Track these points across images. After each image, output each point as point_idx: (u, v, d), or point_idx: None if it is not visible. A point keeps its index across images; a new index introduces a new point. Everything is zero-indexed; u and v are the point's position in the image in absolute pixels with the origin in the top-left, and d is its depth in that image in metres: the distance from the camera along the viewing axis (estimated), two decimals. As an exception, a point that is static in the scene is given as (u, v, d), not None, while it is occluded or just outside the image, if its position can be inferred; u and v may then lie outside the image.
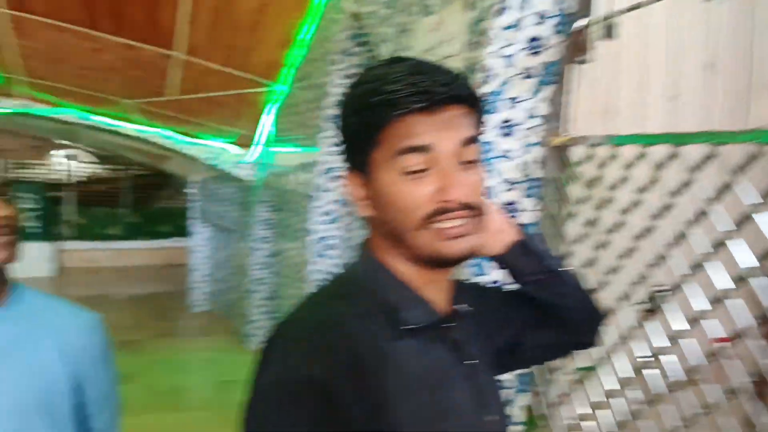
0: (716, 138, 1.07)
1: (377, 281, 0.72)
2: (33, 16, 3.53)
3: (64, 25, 3.61)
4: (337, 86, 3.04)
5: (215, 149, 5.54)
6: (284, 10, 3.26)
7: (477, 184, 0.69)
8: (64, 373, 1.11)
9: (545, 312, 0.86)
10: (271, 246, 5.30)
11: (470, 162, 0.68)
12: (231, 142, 5.53)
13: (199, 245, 6.78)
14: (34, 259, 8.49)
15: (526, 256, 0.82)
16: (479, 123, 0.71)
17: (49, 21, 3.57)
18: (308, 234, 3.55)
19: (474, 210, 0.68)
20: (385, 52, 2.18)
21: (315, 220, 3.52)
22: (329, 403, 0.61)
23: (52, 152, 10.30)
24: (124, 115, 5.23)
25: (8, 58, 4.25)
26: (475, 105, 0.69)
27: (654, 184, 1.22)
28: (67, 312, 1.18)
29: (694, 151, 1.13)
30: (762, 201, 1.01)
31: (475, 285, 0.94)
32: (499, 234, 0.81)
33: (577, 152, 1.44)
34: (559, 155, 1.48)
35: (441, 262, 0.69)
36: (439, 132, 0.65)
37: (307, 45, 3.59)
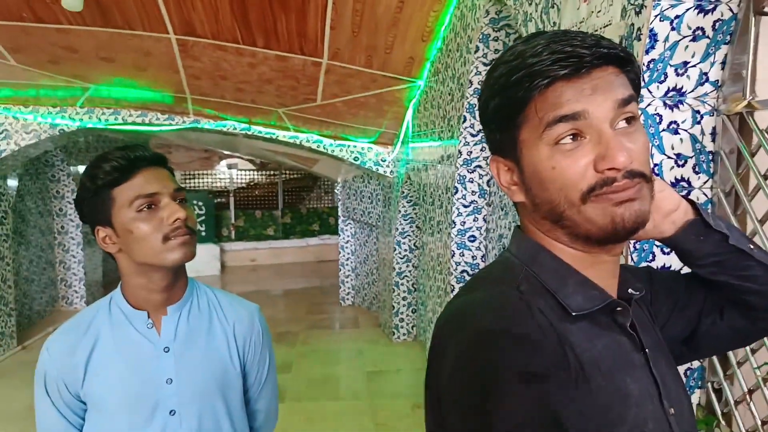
0: None
1: (539, 265, 0.68)
2: (198, 39, 3.93)
3: (224, 44, 3.98)
4: (478, 74, 3.00)
5: (360, 149, 5.76)
6: (423, 4, 3.28)
7: (641, 149, 0.62)
8: (234, 359, 1.21)
9: (725, 296, 0.76)
10: (413, 240, 5.39)
11: (629, 125, 0.62)
12: (374, 141, 5.71)
13: (345, 242, 7.09)
14: (202, 259, 9.44)
15: (702, 235, 0.73)
16: (635, 83, 0.64)
17: (212, 41, 3.95)
18: (449, 226, 3.55)
19: (641, 177, 0.61)
20: (529, 32, 2.10)
21: (456, 212, 3.50)
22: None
23: (222, 162, 11.39)
24: (278, 122, 5.63)
25: (178, 79, 4.77)
26: (626, 64, 0.63)
27: None
28: (232, 303, 1.28)
29: None
30: None
31: (645, 269, 0.85)
32: (671, 213, 0.73)
33: (761, 118, 1.27)
34: (738, 123, 1.31)
35: (611, 235, 0.62)
36: (590, 96, 0.60)
37: (444, 36, 3.59)
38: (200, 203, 10.05)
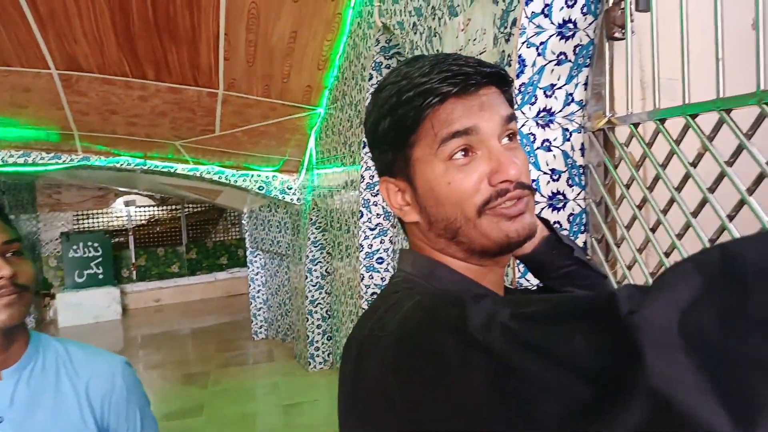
0: (766, 97, 1.02)
1: (438, 279, 0.68)
2: (82, 73, 3.75)
3: (111, 77, 3.82)
4: (373, 101, 3.08)
5: (264, 178, 5.69)
6: (316, 34, 3.34)
7: (524, 163, 0.66)
8: (89, 422, 1.10)
9: None
10: (324, 266, 5.37)
11: (512, 142, 0.66)
12: (278, 169, 5.66)
13: (255, 274, 6.93)
14: (101, 304, 8.85)
15: (555, 249, 0.80)
16: (511, 103, 0.69)
17: (98, 75, 3.78)
18: (357, 250, 3.58)
19: (528, 189, 0.65)
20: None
21: (363, 236, 3.54)
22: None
23: (119, 200, 10.80)
24: (175, 155, 5.45)
25: (63, 115, 4.51)
26: (504, 84, 0.67)
27: (704, 156, 1.16)
28: (88, 358, 1.16)
29: (743, 115, 1.08)
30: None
31: (508, 288, 0.90)
32: None
33: (619, 133, 1.40)
34: (602, 138, 1.44)
35: (505, 248, 0.65)
36: (479, 113, 0.63)
37: (339, 65, 3.65)
38: (96, 244, 9.44)
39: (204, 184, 6.03)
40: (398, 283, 0.69)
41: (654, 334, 0.35)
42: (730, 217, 1.11)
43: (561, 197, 1.47)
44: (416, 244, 0.72)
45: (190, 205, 11.21)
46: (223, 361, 6.18)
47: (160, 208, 11.31)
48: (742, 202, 1.08)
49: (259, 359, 6.28)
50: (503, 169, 0.62)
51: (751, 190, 1.07)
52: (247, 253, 6.95)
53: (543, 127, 1.45)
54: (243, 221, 7.13)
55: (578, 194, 1.48)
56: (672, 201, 1.26)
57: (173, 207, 11.26)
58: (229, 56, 3.51)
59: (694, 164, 1.19)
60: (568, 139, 1.47)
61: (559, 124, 1.47)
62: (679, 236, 1.25)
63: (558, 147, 1.47)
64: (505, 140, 0.65)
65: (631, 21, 1.36)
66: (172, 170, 5.64)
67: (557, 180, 1.46)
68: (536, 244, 0.79)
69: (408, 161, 0.66)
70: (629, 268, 1.38)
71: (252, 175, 5.68)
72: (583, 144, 1.48)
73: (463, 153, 0.63)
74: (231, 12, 3.11)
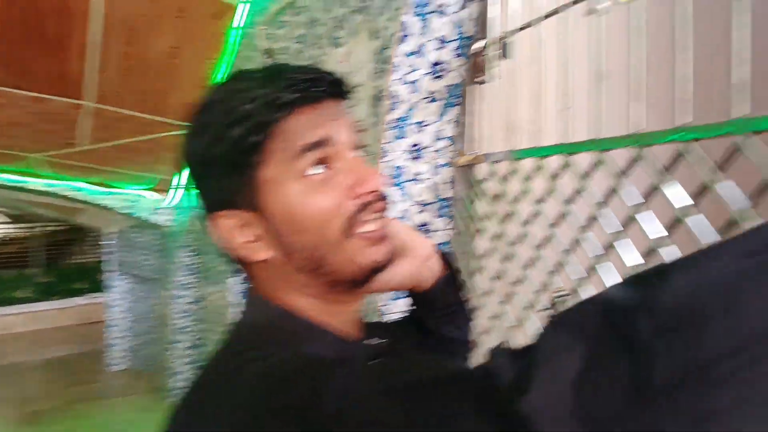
0: (602, 145, 1.16)
1: (288, 333, 0.59)
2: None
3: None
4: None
5: (132, 197, 5.35)
6: (198, 52, 3.26)
7: (378, 172, 0.63)
8: None
9: (439, 344, 0.77)
10: (194, 292, 5.12)
11: (359, 153, 0.62)
12: (149, 189, 5.36)
13: (116, 300, 6.44)
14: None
15: (449, 287, 0.74)
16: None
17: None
18: (232, 275, 3.47)
19: (386, 200, 0.62)
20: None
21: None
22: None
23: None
24: (33, 170, 4.97)
25: None
26: (345, 95, 0.61)
27: (551, 195, 1.29)
28: None
29: (585, 160, 1.22)
30: (643, 201, 1.09)
31: (371, 323, 0.81)
32: (428, 262, 0.71)
33: (481, 170, 1.51)
34: (465, 174, 1.54)
35: (372, 272, 0.60)
36: (331, 122, 0.57)
37: (222, 87, 3.59)
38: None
39: (63, 201, 5.55)
40: (237, 343, 0.58)
41: (549, 424, 0.30)
42: (567, 252, 1.24)
43: (430, 228, 1.54)
44: (263, 288, 0.61)
45: (49, 224, 10.23)
46: (73, 397, 5.61)
47: (12, 226, 10.21)
48: (578, 240, 1.21)
49: (117, 393, 5.78)
50: (365, 181, 0.57)
51: (585, 228, 1.20)
52: (108, 277, 6.45)
53: (413, 160, 1.53)
54: (106, 242, 6.62)
55: (446, 225, 1.57)
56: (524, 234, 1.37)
57: (27, 225, 10.22)
58: (101, 68, 3.31)
59: (542, 201, 1.32)
60: (437, 174, 1.56)
61: (429, 158, 1.55)
62: (527, 267, 1.36)
63: (427, 180, 1.55)
64: (358, 152, 0.61)
65: (499, 66, 1.49)
66: (26, 185, 5.13)
67: (424, 212, 1.54)
68: (436, 279, 0.72)
69: (254, 186, 0.56)
70: (486, 294, 1.47)
71: (118, 194, 5.32)
72: (452, 178, 1.58)
73: (320, 167, 0.57)
74: (107, 21, 2.95)
